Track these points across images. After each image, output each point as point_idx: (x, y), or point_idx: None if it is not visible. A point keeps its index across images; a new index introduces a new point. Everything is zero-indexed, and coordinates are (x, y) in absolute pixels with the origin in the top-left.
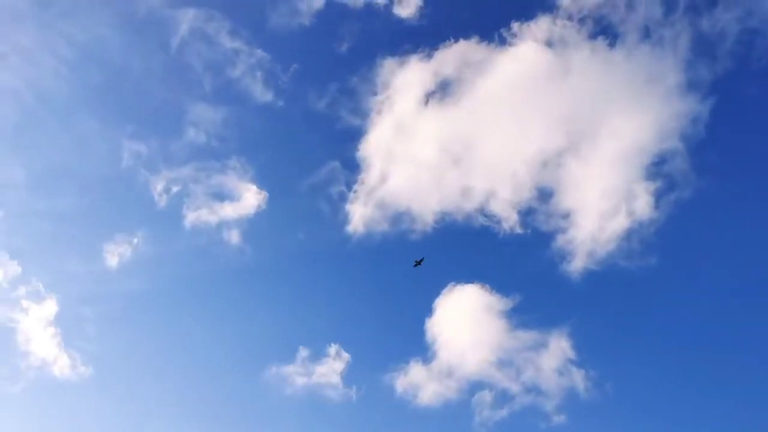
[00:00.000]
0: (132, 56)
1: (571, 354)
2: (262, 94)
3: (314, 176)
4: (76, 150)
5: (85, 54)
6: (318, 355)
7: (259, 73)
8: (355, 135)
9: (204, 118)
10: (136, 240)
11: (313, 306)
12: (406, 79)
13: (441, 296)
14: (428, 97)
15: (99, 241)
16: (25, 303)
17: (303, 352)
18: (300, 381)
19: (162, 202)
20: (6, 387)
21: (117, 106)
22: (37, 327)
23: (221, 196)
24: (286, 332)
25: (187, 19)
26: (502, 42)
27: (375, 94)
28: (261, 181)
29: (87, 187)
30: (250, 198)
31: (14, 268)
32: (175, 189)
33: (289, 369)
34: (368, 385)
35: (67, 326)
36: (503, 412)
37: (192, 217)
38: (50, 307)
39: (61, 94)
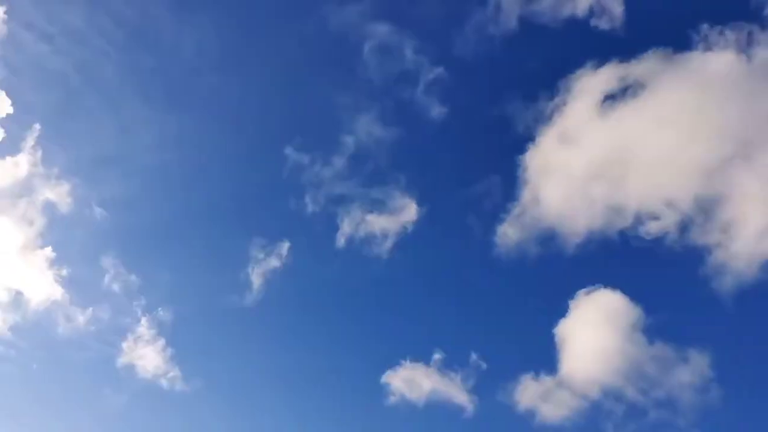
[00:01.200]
0: (317, 70)
1: (710, 372)
2: (435, 110)
3: (473, 191)
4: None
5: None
6: (450, 361)
7: (435, 90)
8: (521, 149)
9: (372, 131)
10: (281, 251)
11: (453, 315)
12: (587, 92)
13: (576, 305)
14: (603, 108)
15: (239, 251)
16: (138, 312)
17: (437, 355)
18: (427, 384)
19: (316, 213)
20: (112, 399)
21: (282, 116)
22: (148, 337)
23: (379, 209)
24: (421, 337)
25: (378, 33)
26: (694, 49)
27: (552, 107)
28: (421, 196)
29: (235, 194)
30: (407, 213)
31: (132, 278)
32: (332, 200)
33: (418, 371)
34: (493, 393)
35: (180, 337)
36: (633, 427)
37: (346, 229)
38: (165, 317)
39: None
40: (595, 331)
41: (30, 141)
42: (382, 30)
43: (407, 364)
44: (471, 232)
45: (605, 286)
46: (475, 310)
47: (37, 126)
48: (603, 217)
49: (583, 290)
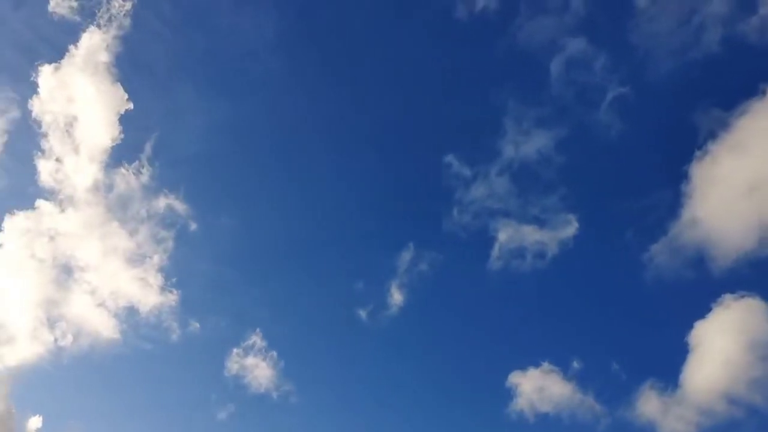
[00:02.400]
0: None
1: None
2: (613, 128)
3: (635, 207)
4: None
5: None
6: (589, 370)
7: (617, 108)
8: (692, 164)
9: (541, 145)
10: (430, 262)
11: (596, 328)
12: None
13: (713, 313)
14: None
15: (383, 263)
16: (254, 323)
17: (576, 365)
18: (557, 390)
19: (472, 225)
20: (220, 407)
21: (445, 123)
22: (260, 347)
23: (536, 222)
24: (561, 345)
25: (570, 48)
26: None
27: (737, 115)
28: (583, 212)
29: (384, 201)
30: (567, 228)
31: (251, 289)
32: (489, 213)
33: (550, 377)
34: (626, 406)
35: (295, 350)
36: None
37: (502, 241)
38: (280, 329)
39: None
40: (730, 342)
41: (148, 149)
42: (575, 45)
43: (545, 366)
44: (627, 249)
45: (750, 296)
46: (619, 325)
47: (154, 129)
48: (758, 236)
49: (728, 296)
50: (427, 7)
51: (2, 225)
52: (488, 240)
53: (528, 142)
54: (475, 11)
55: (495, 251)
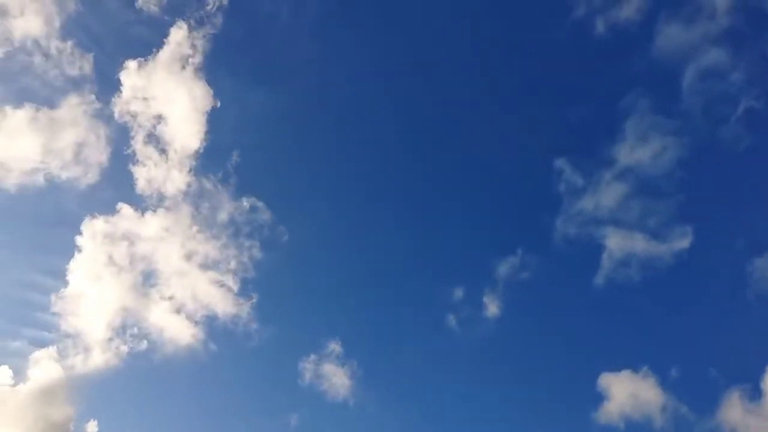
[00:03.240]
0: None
1: None
2: (739, 135)
3: (750, 218)
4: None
5: None
6: (685, 379)
7: (747, 118)
8: None
9: (659, 150)
10: (531, 269)
11: (697, 339)
12: None
13: None
14: None
15: (476, 269)
16: (331, 330)
17: (674, 373)
18: (648, 395)
19: (577, 229)
20: (289, 417)
21: (554, 124)
22: (338, 354)
23: (649, 232)
24: (659, 353)
25: (707, 57)
26: None
27: None
28: (697, 222)
29: (483, 203)
30: (680, 239)
31: (327, 295)
32: (596, 217)
33: (643, 383)
34: (712, 414)
35: (374, 359)
36: None
37: (611, 248)
38: (360, 338)
39: None
40: None
41: (234, 154)
42: (713, 55)
43: (644, 370)
44: (736, 260)
45: None
46: (721, 335)
47: (238, 129)
48: None
49: None
50: (566, 18)
51: (82, 228)
52: (597, 248)
53: (647, 150)
54: (619, 21)
55: (604, 260)
